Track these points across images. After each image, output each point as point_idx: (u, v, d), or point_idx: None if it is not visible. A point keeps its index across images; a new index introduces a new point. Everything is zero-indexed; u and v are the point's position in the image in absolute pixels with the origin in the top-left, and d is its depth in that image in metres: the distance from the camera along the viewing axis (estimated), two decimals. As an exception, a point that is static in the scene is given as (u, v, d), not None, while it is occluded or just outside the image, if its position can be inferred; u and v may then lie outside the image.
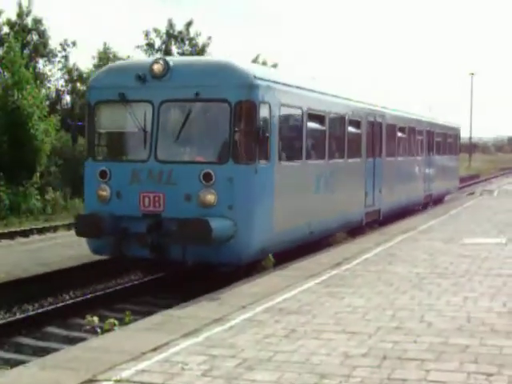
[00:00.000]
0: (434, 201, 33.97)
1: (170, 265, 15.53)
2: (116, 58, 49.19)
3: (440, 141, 33.93)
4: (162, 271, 16.95)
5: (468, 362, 8.22)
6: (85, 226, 15.21)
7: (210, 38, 52.02)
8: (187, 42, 51.60)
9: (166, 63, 15.10)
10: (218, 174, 14.45)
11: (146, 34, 51.02)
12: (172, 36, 51.19)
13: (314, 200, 18.14)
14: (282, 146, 16.23)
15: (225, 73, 15.02)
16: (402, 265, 15.12)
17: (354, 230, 21.59)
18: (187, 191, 14.58)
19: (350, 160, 20.89)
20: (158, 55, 51.39)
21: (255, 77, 15.11)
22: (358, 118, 21.70)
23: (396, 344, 8.98)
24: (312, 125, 18.01)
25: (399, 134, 26.53)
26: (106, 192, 15.32)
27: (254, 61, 60.96)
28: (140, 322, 11.05)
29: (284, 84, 16.53)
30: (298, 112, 17.31)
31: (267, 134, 15.05)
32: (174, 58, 16.53)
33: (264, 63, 61.10)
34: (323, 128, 18.76)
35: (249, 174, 14.78)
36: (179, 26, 51.43)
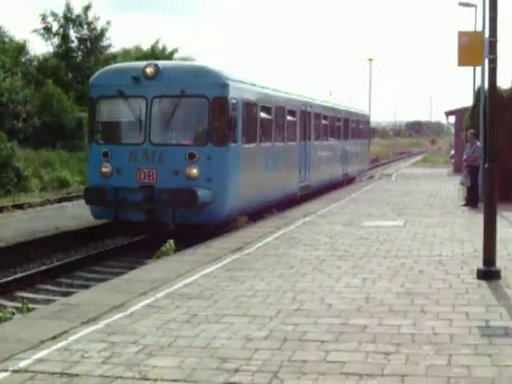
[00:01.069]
0: (349, 179, 38.05)
1: (159, 226, 19.28)
2: (12, 41, 48.06)
3: (354, 127, 38.50)
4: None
5: (367, 341, 8.35)
6: (92, 196, 18.88)
7: (109, 22, 51.41)
8: (86, 26, 50.80)
9: (157, 66, 18.77)
10: (199, 154, 18.23)
11: (43, 18, 49.96)
12: (70, 20, 50.27)
13: (265, 175, 22.16)
14: (244, 131, 19.99)
15: (204, 74, 18.91)
16: (303, 248, 15.25)
17: (255, 215, 21.69)
18: (175, 167, 18.23)
19: (289, 143, 25.09)
20: (56, 40, 50.47)
21: (227, 78, 18.98)
22: (294, 108, 25.77)
23: (296, 326, 9.05)
24: (263, 115, 22.08)
25: (323, 122, 30.71)
26: (107, 168, 18.79)
27: (154, 46, 60.62)
28: (39, 311, 10.89)
29: (246, 83, 20.57)
30: (255, 105, 21.38)
31: (235, 122, 19.15)
32: (163, 62, 20.37)
33: (163, 48, 60.83)
34: (270, 117, 22.89)
35: (223, 153, 18.65)
36: (77, 10, 50.57)
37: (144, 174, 18.40)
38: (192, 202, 17.79)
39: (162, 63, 19.48)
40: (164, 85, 18.63)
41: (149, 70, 18.69)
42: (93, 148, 19.57)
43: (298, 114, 26.24)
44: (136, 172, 18.45)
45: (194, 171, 18.16)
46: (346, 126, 36.13)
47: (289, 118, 25.13)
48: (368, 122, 45.37)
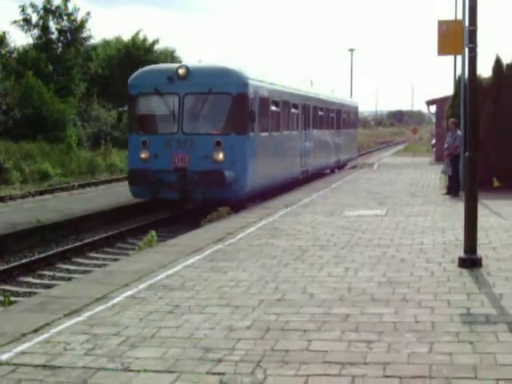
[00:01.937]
0: (341, 165, 42.00)
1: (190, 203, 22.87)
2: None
3: (345, 117, 42.16)
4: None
5: (349, 330, 8.38)
6: (134, 178, 22.39)
7: (88, 13, 51.07)
8: (65, 18, 50.45)
9: (187, 68, 22.31)
10: (225, 142, 21.79)
11: (23, 9, 49.58)
12: (50, 11, 49.91)
13: (275, 159, 25.86)
14: (259, 122, 23.48)
15: (228, 75, 22.51)
16: (285, 238, 15.26)
17: (238, 206, 21.73)
18: (204, 153, 21.74)
19: (293, 132, 29.02)
20: (36, 31, 50.11)
21: (247, 77, 22.66)
22: (296, 102, 29.50)
23: (279, 316, 9.07)
24: (273, 108, 25.75)
25: (320, 113, 34.44)
26: (146, 155, 22.30)
27: (135, 37, 60.48)
28: (20, 303, 10.84)
29: (260, 81, 24.11)
30: (267, 100, 24.88)
31: (253, 115, 22.52)
32: (192, 64, 23.42)
33: (144, 39, 60.75)
34: (278, 110, 26.56)
35: (244, 141, 22.30)
36: (57, 1, 50.19)
37: (178, 158, 21.86)
38: (220, 182, 21.33)
39: (191, 65, 22.92)
40: (194, 83, 22.01)
41: (181, 71, 22.17)
42: (133, 137, 23.10)
43: (300, 107, 30.02)
44: (171, 157, 21.90)
45: (221, 156, 21.65)
46: (339, 117, 39.77)
47: (292, 110, 28.86)
48: (357, 113, 48.79)
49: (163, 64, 33.44)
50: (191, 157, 21.78)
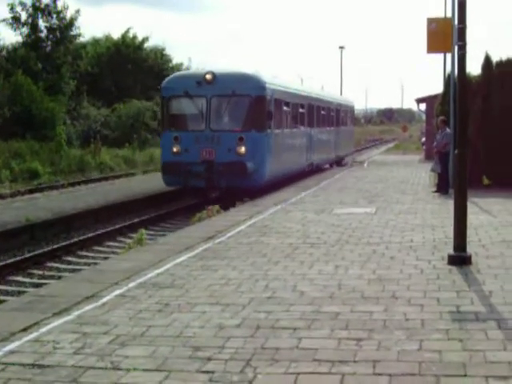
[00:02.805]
0: (339, 160, 44.13)
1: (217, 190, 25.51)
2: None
3: (343, 116, 45.56)
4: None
5: (339, 328, 8.37)
6: (168, 169, 25.47)
7: (78, 11, 50.95)
8: (55, 16, 50.29)
9: (214, 74, 25.34)
10: (246, 137, 24.91)
11: (12, 8, 49.40)
12: (39, 9, 49.74)
13: (287, 153, 29.23)
14: (274, 121, 26.84)
15: (249, 79, 25.93)
16: (275, 236, 15.24)
17: (227, 204, 21.74)
18: (229, 147, 24.77)
19: (301, 129, 32.32)
20: (25, 29, 49.96)
21: (265, 82, 26.15)
22: (303, 102, 32.96)
23: (269, 314, 9.05)
24: (285, 108, 29.17)
25: (322, 112, 37.71)
26: (178, 149, 25.32)
27: (124, 35, 60.44)
28: (10, 302, 10.79)
29: (275, 85, 27.58)
30: (280, 101, 28.17)
31: (270, 114, 25.84)
32: (218, 70, 26.06)
33: (134, 37, 60.74)
34: (289, 110, 29.96)
35: (263, 137, 25.60)
36: (46, -1, 50.00)
37: (206, 152, 24.87)
38: (243, 172, 24.41)
39: (217, 71, 25.76)
40: (219, 87, 25.16)
41: (208, 76, 25.28)
42: (165, 134, 26.45)
43: (306, 107, 33.37)
44: (200, 151, 24.90)
45: (243, 149, 24.72)
46: (338, 116, 43.01)
47: (300, 110, 32.28)
48: (353, 112, 52.30)
49: (192, 70, 38.47)
50: (217, 150, 24.75)
